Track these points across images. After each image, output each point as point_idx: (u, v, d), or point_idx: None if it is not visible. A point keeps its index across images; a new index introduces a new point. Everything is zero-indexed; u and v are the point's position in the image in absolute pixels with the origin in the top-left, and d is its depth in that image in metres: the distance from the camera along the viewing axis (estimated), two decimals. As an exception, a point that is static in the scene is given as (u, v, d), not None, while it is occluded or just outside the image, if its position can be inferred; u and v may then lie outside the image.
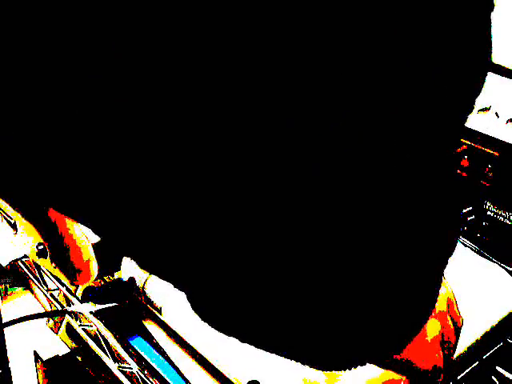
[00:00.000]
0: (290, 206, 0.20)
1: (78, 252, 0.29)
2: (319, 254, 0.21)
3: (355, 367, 0.25)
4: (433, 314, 0.29)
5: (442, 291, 0.30)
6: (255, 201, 0.19)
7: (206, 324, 0.24)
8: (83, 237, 0.29)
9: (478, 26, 0.21)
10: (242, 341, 0.24)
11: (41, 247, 0.43)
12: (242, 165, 0.19)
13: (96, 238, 0.34)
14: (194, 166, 0.19)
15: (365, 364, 0.25)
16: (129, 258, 0.23)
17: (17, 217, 0.43)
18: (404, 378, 0.31)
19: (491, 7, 0.21)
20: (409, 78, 0.19)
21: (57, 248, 0.29)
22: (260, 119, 0.18)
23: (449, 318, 0.31)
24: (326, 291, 0.22)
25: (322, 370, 0.25)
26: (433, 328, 0.29)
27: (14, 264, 0.77)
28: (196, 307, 0.23)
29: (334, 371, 0.25)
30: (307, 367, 0.25)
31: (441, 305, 0.30)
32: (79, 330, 0.68)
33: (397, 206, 0.21)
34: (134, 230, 0.21)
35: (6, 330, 0.70)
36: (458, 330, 0.32)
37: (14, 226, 0.47)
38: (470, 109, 0.22)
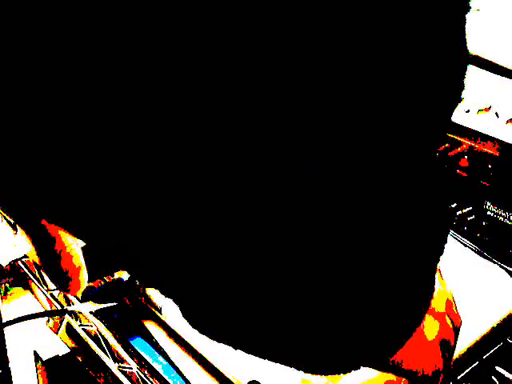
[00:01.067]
0: (289, 209, 0.19)
1: (69, 259, 0.29)
2: (315, 257, 0.21)
3: (349, 371, 0.25)
4: (431, 315, 0.29)
5: (440, 292, 0.30)
6: (253, 203, 0.19)
7: (197, 332, 0.23)
8: (74, 244, 0.29)
9: (456, 27, 0.21)
10: (235, 348, 0.24)
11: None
12: (241, 167, 0.19)
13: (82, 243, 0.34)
14: (192, 170, 0.19)
15: (359, 368, 0.25)
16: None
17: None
18: (403, 379, 0.30)
19: (467, 9, 0.21)
20: (407, 77, 0.20)
21: (48, 255, 0.29)
22: (260, 119, 0.18)
23: (448, 318, 0.31)
24: (320, 295, 0.21)
25: (315, 375, 0.25)
26: (431, 329, 0.29)
27: (13, 264, 0.77)
28: (187, 316, 0.23)
29: (327, 375, 0.25)
30: (301, 372, 0.25)
31: (439, 305, 0.30)
32: (79, 330, 0.68)
33: (394, 206, 0.21)
34: (126, 241, 0.21)
35: (6, 330, 0.69)
36: (457, 331, 0.32)
37: (13, 226, 0.47)
38: (455, 106, 0.22)
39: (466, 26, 0.21)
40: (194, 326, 0.23)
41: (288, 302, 0.22)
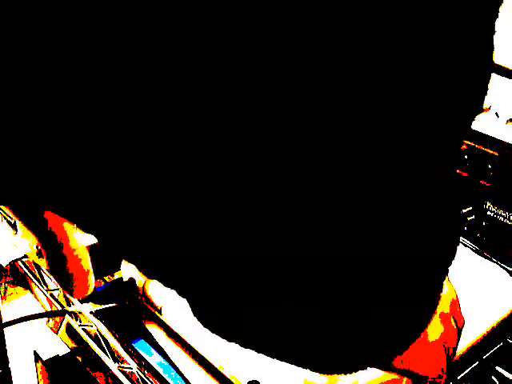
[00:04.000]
0: (292, 209, 0.19)
1: (77, 263, 0.29)
2: (318, 258, 0.21)
3: (356, 371, 0.25)
4: (436, 316, 0.29)
5: (445, 292, 0.30)
6: (255, 203, 0.19)
7: (207, 330, 0.23)
8: (82, 248, 0.29)
9: (481, 29, 0.21)
10: (244, 346, 0.24)
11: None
12: (241, 166, 0.19)
13: (91, 241, 0.34)
14: (194, 168, 0.19)
15: (366, 368, 0.25)
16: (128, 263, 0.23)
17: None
18: (405, 378, 0.30)
19: (496, 13, 0.21)
20: (412, 79, 0.19)
21: (56, 258, 0.29)
22: (260, 119, 0.18)
23: (452, 319, 0.31)
24: (327, 296, 0.21)
25: (322, 374, 0.25)
26: (436, 330, 0.29)
27: (13, 264, 0.77)
28: (197, 313, 0.23)
29: (334, 374, 0.25)
30: (308, 371, 0.25)
31: (444, 306, 0.30)
32: (79, 330, 0.68)
33: (398, 208, 0.21)
34: (134, 235, 0.21)
35: (6, 330, 0.69)
36: (459, 332, 0.32)
37: (14, 226, 0.47)
38: (475, 110, 0.22)
39: (495, 35, 0.21)
40: (205, 325, 0.23)
41: (298, 303, 0.22)
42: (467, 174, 0.79)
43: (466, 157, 0.79)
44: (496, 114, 0.78)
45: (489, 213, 0.78)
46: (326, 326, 0.22)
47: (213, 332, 0.23)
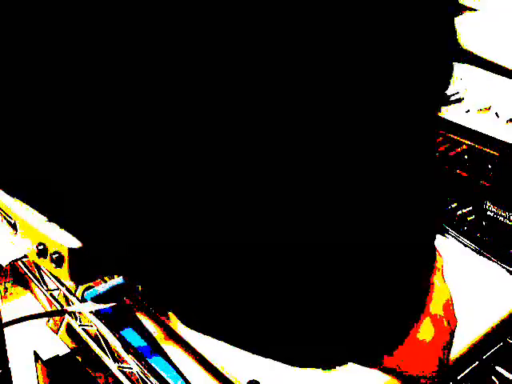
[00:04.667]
0: (287, 210, 0.19)
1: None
2: (310, 256, 0.21)
3: (339, 366, 0.25)
4: (429, 317, 0.29)
5: (440, 293, 0.30)
6: (251, 203, 0.19)
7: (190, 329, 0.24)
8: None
9: (442, 24, 0.21)
10: (232, 344, 0.24)
11: (41, 247, 0.43)
12: (240, 166, 0.19)
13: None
14: (192, 171, 0.19)
15: (345, 363, 0.25)
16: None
17: (17, 217, 0.43)
18: (399, 382, 0.31)
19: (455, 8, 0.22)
20: (388, 79, 0.20)
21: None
22: (258, 119, 0.18)
23: (444, 320, 0.31)
24: (315, 294, 0.22)
25: (304, 369, 0.25)
26: (428, 331, 0.29)
27: (13, 264, 0.77)
28: (184, 322, 0.23)
29: (320, 369, 0.25)
30: (296, 367, 0.25)
31: (437, 307, 0.30)
32: (79, 330, 0.68)
33: (388, 204, 0.21)
34: (122, 244, 0.21)
35: (6, 330, 0.69)
36: (452, 333, 0.32)
37: (14, 226, 0.47)
38: (441, 102, 0.23)
39: (456, 26, 0.21)
40: (191, 328, 0.23)
41: (283, 302, 0.22)
42: (467, 174, 0.80)
43: (466, 157, 0.79)
44: (496, 114, 0.78)
45: (489, 213, 0.78)
46: (312, 321, 0.23)
47: (202, 333, 0.24)
